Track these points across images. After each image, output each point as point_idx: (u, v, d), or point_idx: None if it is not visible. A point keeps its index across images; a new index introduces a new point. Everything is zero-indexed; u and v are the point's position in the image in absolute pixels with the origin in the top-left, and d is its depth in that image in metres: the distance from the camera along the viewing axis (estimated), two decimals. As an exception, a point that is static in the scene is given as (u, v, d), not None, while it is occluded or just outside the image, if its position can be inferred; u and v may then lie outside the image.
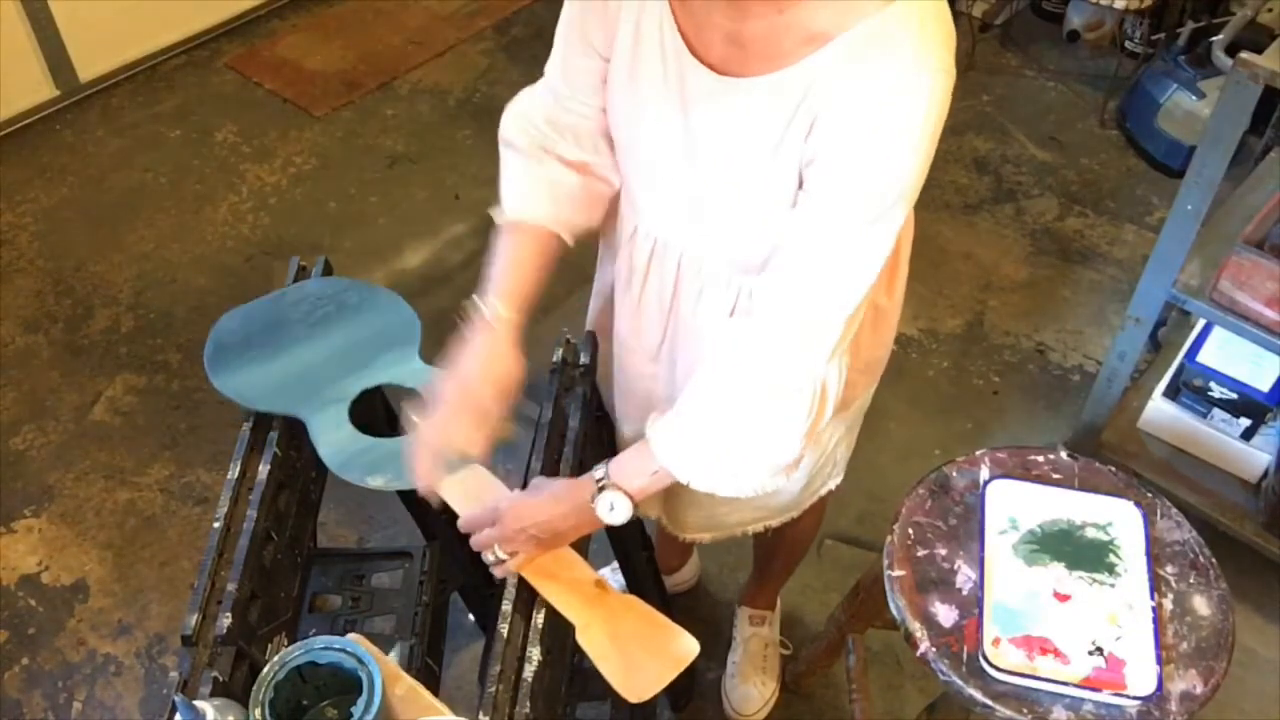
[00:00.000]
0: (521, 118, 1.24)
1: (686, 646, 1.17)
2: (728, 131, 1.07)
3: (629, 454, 1.15)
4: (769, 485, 1.13)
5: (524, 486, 1.25)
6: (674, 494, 1.51)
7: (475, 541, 1.18)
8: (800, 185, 1.05)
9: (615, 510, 1.14)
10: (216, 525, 1.20)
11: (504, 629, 1.12)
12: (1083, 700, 1.17)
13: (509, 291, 1.20)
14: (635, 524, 1.59)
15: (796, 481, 1.46)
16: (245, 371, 1.30)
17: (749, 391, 1.08)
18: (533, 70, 1.37)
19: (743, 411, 1.09)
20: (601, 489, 1.13)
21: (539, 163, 1.22)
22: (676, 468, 1.11)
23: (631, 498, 1.14)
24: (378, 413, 1.44)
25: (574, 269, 2.72)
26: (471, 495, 1.22)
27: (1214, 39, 2.56)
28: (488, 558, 1.18)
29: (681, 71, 1.07)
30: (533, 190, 1.22)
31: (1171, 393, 2.11)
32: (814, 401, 1.08)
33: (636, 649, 1.16)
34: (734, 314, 1.23)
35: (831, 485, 1.53)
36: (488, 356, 1.17)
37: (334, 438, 1.25)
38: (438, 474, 1.19)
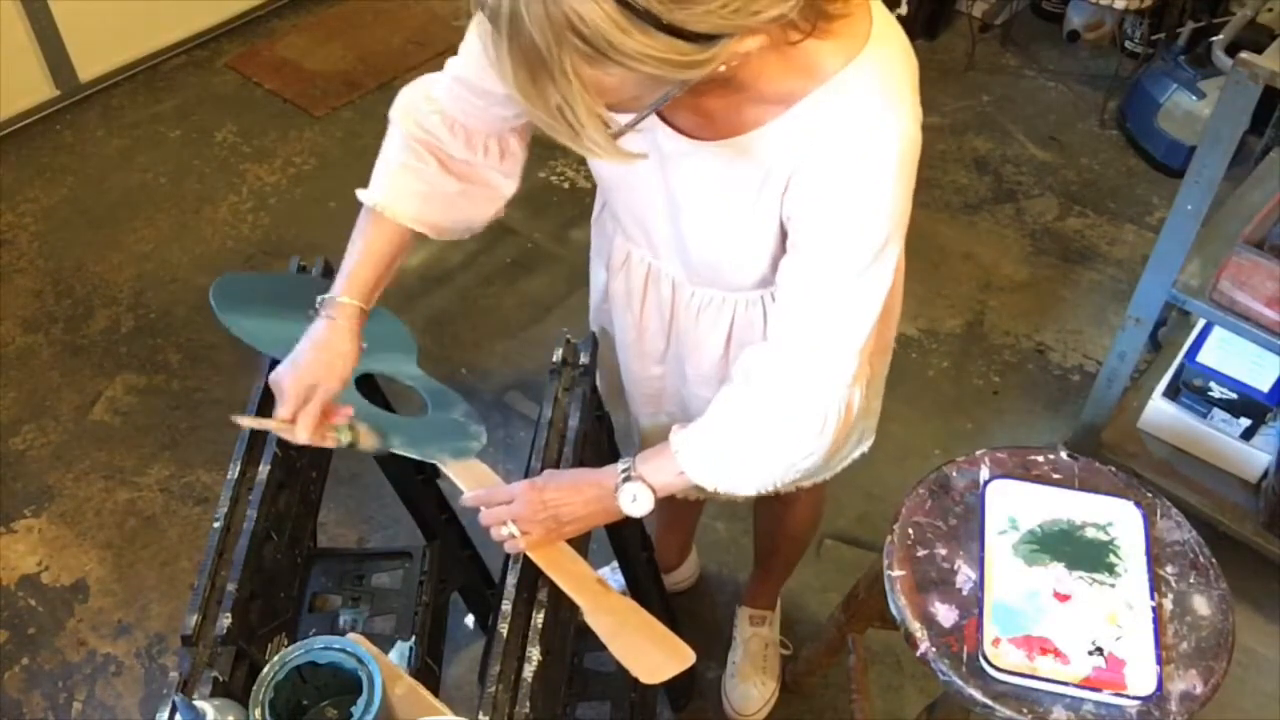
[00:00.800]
0: (416, 104, 1.19)
1: (683, 653, 1.18)
2: (704, 189, 1.09)
3: (654, 452, 1.17)
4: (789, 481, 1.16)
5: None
6: None
7: (488, 515, 1.19)
8: (784, 234, 1.07)
9: (637, 502, 1.16)
10: (216, 525, 1.20)
11: (504, 629, 1.12)
12: (1083, 700, 1.17)
13: (357, 280, 1.19)
14: (635, 524, 1.59)
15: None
16: (251, 318, 1.28)
17: (772, 418, 1.10)
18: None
19: (767, 435, 1.11)
20: (626, 479, 1.15)
21: (419, 159, 1.19)
22: (700, 478, 1.14)
23: (654, 491, 1.15)
24: (377, 398, 1.44)
25: (574, 269, 2.71)
26: (475, 484, 1.22)
27: (1214, 39, 2.57)
28: (500, 533, 1.17)
29: (654, 138, 1.08)
30: (405, 188, 1.19)
31: (1171, 393, 2.11)
32: (838, 425, 1.11)
33: (640, 640, 1.17)
34: (733, 326, 1.25)
35: (864, 448, 1.51)
36: (325, 344, 1.16)
37: (344, 398, 1.25)
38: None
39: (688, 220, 1.14)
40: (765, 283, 1.16)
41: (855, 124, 0.97)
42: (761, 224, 1.07)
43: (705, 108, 1.03)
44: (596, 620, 1.16)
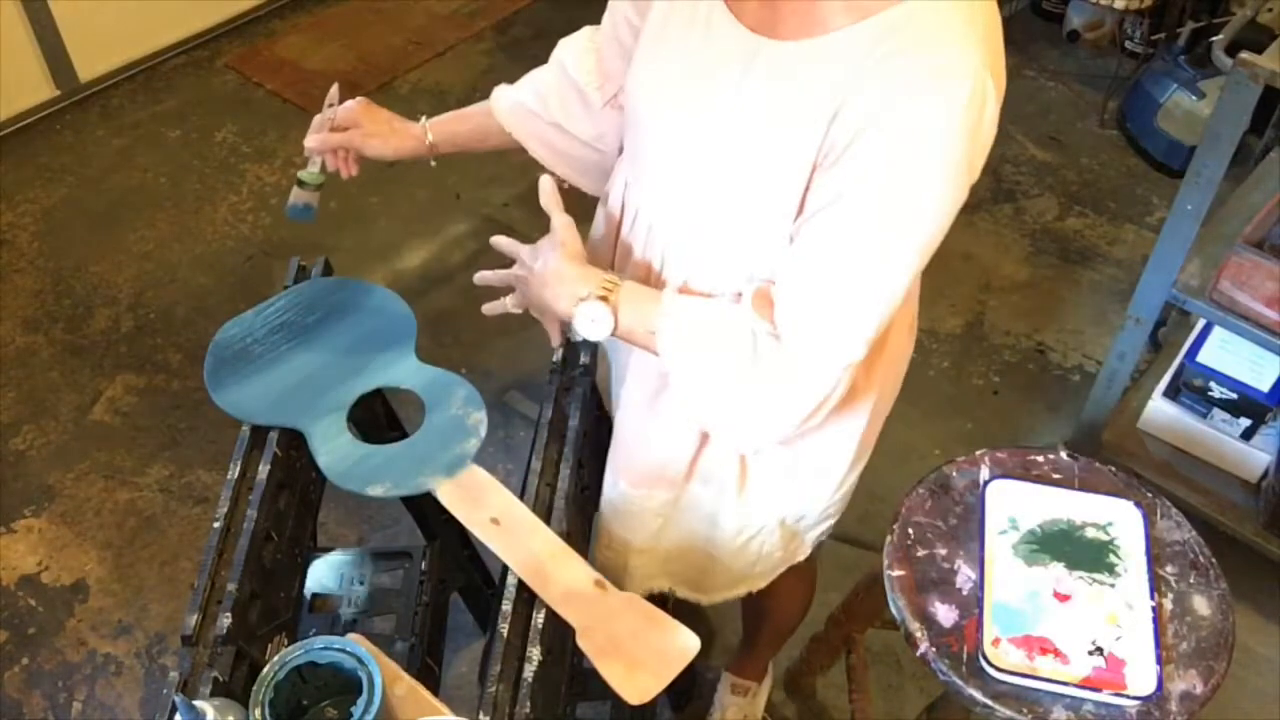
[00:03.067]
0: (583, 34, 1.30)
1: (687, 643, 1.17)
2: (751, 95, 1.02)
3: (643, 296, 1.12)
4: (749, 437, 1.11)
5: (523, 487, 1.25)
6: (683, 560, 1.45)
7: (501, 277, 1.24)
8: (810, 181, 1.00)
9: (595, 323, 1.11)
10: (216, 525, 1.20)
11: (504, 629, 1.12)
12: (1083, 700, 1.17)
13: (444, 127, 1.36)
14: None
15: (774, 546, 1.41)
16: (244, 385, 1.30)
17: (753, 370, 1.05)
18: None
19: (744, 380, 1.06)
20: (604, 297, 1.10)
21: (552, 85, 1.30)
22: (667, 353, 1.09)
23: (616, 323, 1.11)
24: (377, 415, 1.44)
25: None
26: (469, 497, 1.22)
27: (1214, 39, 2.56)
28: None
29: (710, 34, 1.04)
30: (521, 111, 1.32)
31: (1171, 393, 2.11)
32: (818, 404, 1.06)
33: (637, 648, 1.16)
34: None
35: (802, 556, 1.46)
36: (397, 123, 1.36)
37: (332, 447, 1.25)
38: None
39: (716, 140, 1.06)
40: (752, 269, 1.11)
41: (926, 61, 0.91)
42: (791, 150, 1.00)
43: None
44: (588, 641, 1.15)
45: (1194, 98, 2.79)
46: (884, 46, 0.93)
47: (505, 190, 2.86)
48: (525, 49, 3.28)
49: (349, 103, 1.35)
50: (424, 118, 1.36)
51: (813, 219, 1.01)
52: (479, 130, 1.36)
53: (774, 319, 1.05)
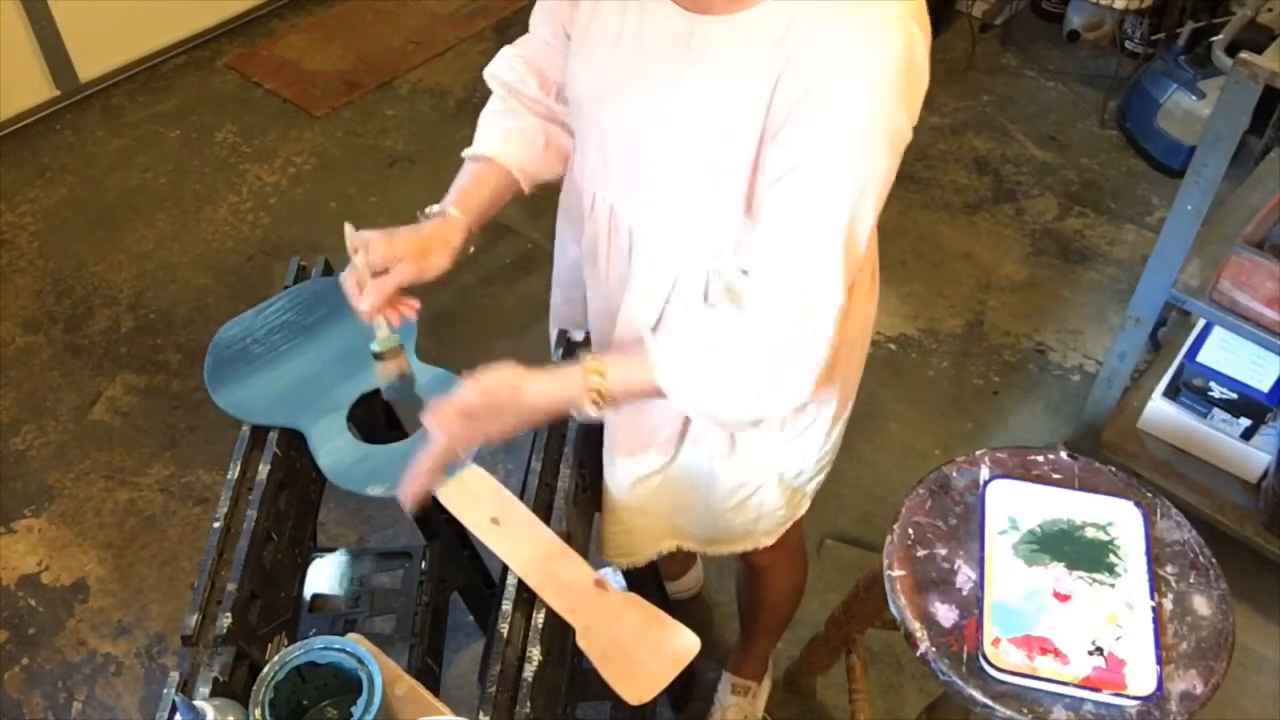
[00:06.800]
0: (504, 54, 1.30)
1: (687, 643, 1.17)
2: (689, 74, 1.04)
3: (624, 365, 1.10)
4: (768, 411, 1.10)
5: (523, 487, 1.25)
6: (676, 510, 1.46)
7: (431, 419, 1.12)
8: (759, 151, 1.03)
9: (597, 415, 1.12)
10: (216, 525, 1.20)
11: (504, 629, 1.12)
12: (1083, 700, 1.17)
13: (463, 201, 1.22)
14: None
15: (776, 504, 1.41)
16: (244, 385, 1.31)
17: (761, 346, 1.05)
18: (533, 70, 1.37)
19: (751, 362, 1.06)
20: (596, 402, 1.10)
21: (504, 100, 1.29)
22: (671, 387, 1.08)
23: (617, 401, 1.11)
24: (377, 415, 1.44)
25: (574, 269, 2.64)
26: (469, 497, 1.22)
27: (1214, 39, 2.57)
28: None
29: (645, 17, 1.06)
30: (499, 134, 1.27)
31: (1171, 393, 2.11)
32: (827, 355, 1.05)
33: (637, 648, 1.16)
34: (668, 305, 1.20)
35: (804, 509, 1.48)
36: (427, 232, 1.18)
37: (332, 447, 1.25)
38: (436, 479, 1.17)
39: (658, 124, 1.08)
40: (714, 242, 1.12)
41: (851, 23, 0.95)
42: (741, 128, 1.02)
43: None
44: (588, 641, 1.15)
45: (1194, 98, 2.79)
46: (809, 14, 0.96)
47: (505, 190, 2.85)
48: (525, 49, 3.28)
49: (368, 240, 1.14)
50: (447, 208, 1.21)
51: (772, 190, 1.03)
52: (499, 188, 1.26)
53: (749, 301, 1.06)
